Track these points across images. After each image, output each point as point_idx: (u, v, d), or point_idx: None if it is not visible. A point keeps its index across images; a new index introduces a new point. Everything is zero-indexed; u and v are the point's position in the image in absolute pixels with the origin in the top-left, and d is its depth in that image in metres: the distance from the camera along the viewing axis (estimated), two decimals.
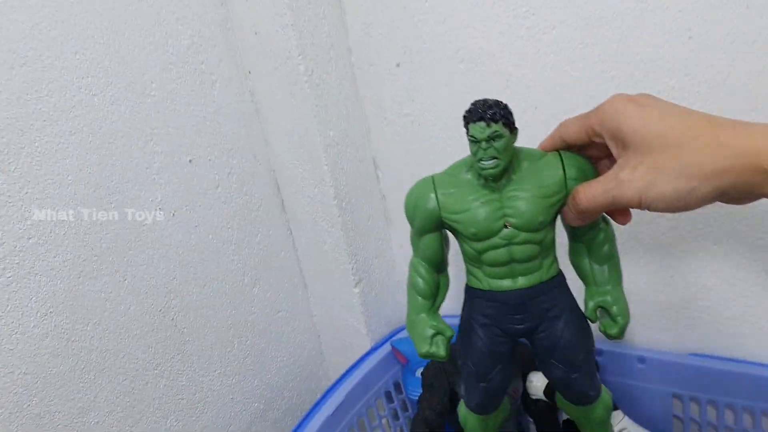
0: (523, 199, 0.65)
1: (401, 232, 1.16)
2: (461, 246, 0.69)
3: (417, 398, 1.01)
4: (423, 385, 1.00)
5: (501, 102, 0.62)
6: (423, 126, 1.04)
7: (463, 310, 0.74)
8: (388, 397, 1.14)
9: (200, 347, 0.98)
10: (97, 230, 0.82)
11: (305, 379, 1.21)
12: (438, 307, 0.74)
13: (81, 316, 0.81)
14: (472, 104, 0.62)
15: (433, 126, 1.03)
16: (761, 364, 0.94)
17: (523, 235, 0.66)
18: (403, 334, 1.17)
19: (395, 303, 1.20)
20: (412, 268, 0.73)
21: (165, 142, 0.90)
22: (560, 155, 0.65)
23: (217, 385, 1.02)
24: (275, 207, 1.09)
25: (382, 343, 1.13)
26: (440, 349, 0.70)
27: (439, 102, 1.01)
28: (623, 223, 0.66)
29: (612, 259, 0.70)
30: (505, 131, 0.61)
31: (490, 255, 0.67)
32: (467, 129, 0.62)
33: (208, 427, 1.01)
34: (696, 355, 0.98)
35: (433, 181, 0.67)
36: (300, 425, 0.99)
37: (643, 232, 0.94)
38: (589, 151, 0.65)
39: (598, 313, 0.70)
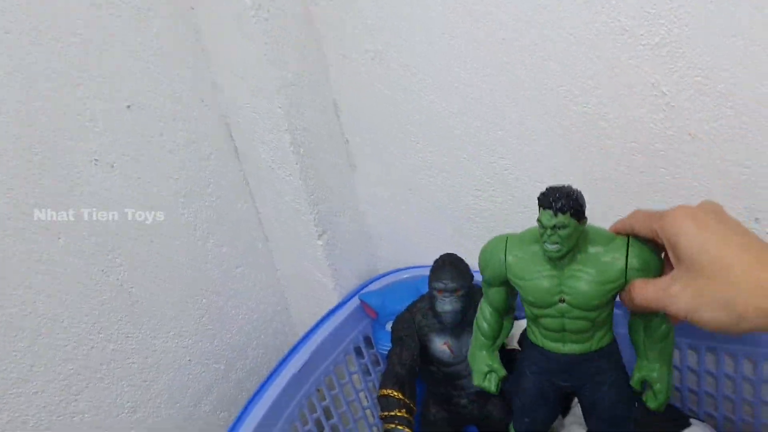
0: (581, 280, 0.68)
1: (367, 179, 1.09)
2: (523, 304, 0.74)
3: (387, 353, 0.95)
4: (392, 340, 0.94)
5: (574, 192, 0.65)
6: (386, 63, 0.96)
7: (522, 350, 0.82)
8: (358, 353, 1.09)
9: (150, 308, 0.91)
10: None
11: (270, 337, 1.15)
12: (498, 347, 0.82)
13: (9, 281, 0.74)
14: (547, 189, 0.66)
15: (397, 63, 0.95)
16: None
17: (577, 312, 0.70)
18: (373, 286, 1.11)
19: (364, 255, 1.14)
20: (480, 310, 0.81)
21: (98, 86, 0.81)
22: (628, 243, 0.67)
23: (172, 347, 0.96)
24: (228, 155, 1.01)
25: (351, 297, 1.07)
26: (491, 385, 0.81)
27: (403, 35, 0.93)
28: (674, 324, 0.71)
29: (665, 341, 0.73)
30: (572, 221, 0.65)
31: (545, 321, 0.72)
32: (539, 210, 0.66)
33: (164, 392, 0.95)
34: None
35: (506, 243, 0.73)
36: (264, 385, 0.94)
37: None
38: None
39: (642, 385, 0.76)
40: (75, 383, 0.82)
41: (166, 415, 0.96)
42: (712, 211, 0.59)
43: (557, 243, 0.66)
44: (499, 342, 0.83)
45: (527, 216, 0.96)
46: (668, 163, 0.80)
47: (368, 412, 1.14)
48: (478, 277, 0.94)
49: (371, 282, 1.12)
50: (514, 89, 0.86)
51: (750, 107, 0.72)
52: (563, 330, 0.73)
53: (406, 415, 0.87)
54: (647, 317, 0.72)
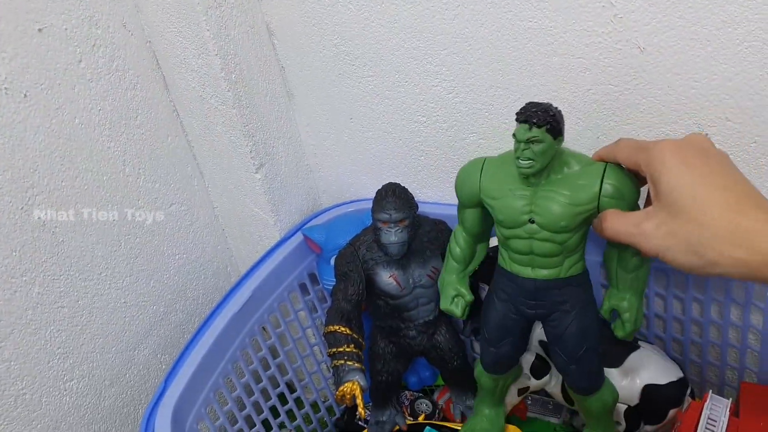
0: (553, 201, 0.67)
1: (307, 108, 1.04)
2: (495, 225, 0.74)
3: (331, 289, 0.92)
4: (336, 275, 0.91)
5: (553, 108, 0.64)
6: None
7: (491, 281, 0.79)
8: (304, 290, 1.06)
9: (78, 248, 0.86)
10: None
11: (211, 277, 1.11)
12: (469, 273, 0.83)
13: None
14: (526, 104, 0.64)
15: None
16: None
17: (545, 234, 0.70)
18: (316, 221, 1.07)
19: (305, 189, 1.09)
20: (453, 234, 0.81)
21: (3, 5, 0.74)
22: (605, 169, 0.66)
23: (105, 289, 0.91)
24: (155, 84, 0.95)
25: (293, 233, 1.03)
26: (458, 309, 0.82)
27: None
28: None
29: (638, 272, 0.73)
30: (548, 137, 0.64)
31: (514, 243, 0.72)
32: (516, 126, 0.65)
33: (97, 335, 0.91)
34: None
35: (483, 164, 0.72)
36: (203, 326, 0.90)
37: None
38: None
39: (611, 314, 0.77)
40: None
41: (102, 361, 0.92)
42: (698, 147, 0.56)
43: (530, 159, 0.65)
44: (470, 268, 0.83)
45: (473, 142, 0.93)
46: (617, 80, 0.78)
47: (316, 349, 1.12)
48: (423, 208, 0.92)
49: (314, 217, 1.08)
50: (455, 5, 0.82)
51: (700, 16, 0.69)
52: (531, 253, 0.72)
53: (354, 350, 0.85)
54: (621, 247, 0.71)
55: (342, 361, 0.84)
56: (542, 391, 0.95)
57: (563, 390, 0.91)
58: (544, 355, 0.90)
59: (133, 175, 0.93)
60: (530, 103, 0.65)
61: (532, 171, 0.66)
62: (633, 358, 0.88)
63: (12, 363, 0.79)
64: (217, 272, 1.12)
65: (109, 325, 0.92)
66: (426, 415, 1.04)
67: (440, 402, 1.07)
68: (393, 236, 0.85)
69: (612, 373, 0.87)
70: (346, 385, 0.81)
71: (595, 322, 0.76)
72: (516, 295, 0.76)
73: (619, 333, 0.78)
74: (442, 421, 1.03)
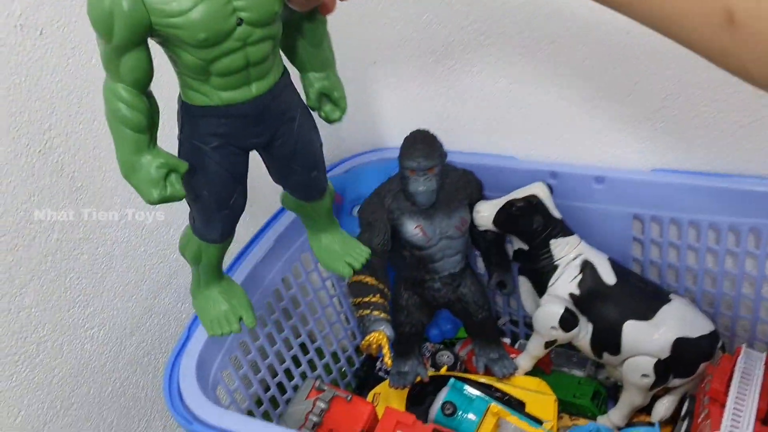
0: None
1: None
2: (177, 57, 0.57)
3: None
4: (361, 225, 0.88)
5: None
6: None
7: (181, 133, 0.63)
8: None
9: (98, 193, 0.83)
10: None
11: None
12: (156, 140, 0.61)
13: None
14: None
15: None
16: (729, 176, 0.86)
17: (259, 32, 0.57)
18: (337, 170, 1.04)
19: (326, 134, 1.06)
20: (114, 97, 0.57)
21: None
22: None
23: (124, 236, 0.89)
24: None
25: None
26: (177, 189, 0.60)
27: None
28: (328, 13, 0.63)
29: (326, 41, 0.66)
30: None
31: (223, 63, 0.57)
32: None
33: (118, 283, 0.89)
34: (660, 170, 0.89)
35: None
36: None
37: (602, 31, 0.81)
38: None
39: (319, 101, 0.69)
40: (17, 276, 0.75)
41: (123, 309, 0.90)
42: None
43: None
44: (155, 132, 0.61)
45: (504, 87, 0.90)
46: None
47: (335, 300, 1.10)
48: (451, 158, 0.88)
49: (335, 166, 1.05)
50: None
51: None
52: (248, 65, 0.58)
53: (380, 300, 0.83)
54: (301, 25, 0.64)
55: (368, 311, 0.82)
56: (567, 344, 0.94)
57: (592, 343, 0.89)
58: (573, 307, 0.88)
59: None
60: None
61: None
62: (664, 311, 0.86)
63: (33, 310, 0.78)
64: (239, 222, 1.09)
65: (129, 272, 0.90)
66: (448, 367, 1.03)
67: (462, 354, 1.05)
68: (421, 185, 0.83)
69: (642, 327, 0.86)
70: (372, 335, 0.80)
71: (313, 118, 0.69)
72: (235, 130, 0.62)
73: (335, 115, 0.70)
74: (463, 372, 1.01)
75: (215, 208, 0.67)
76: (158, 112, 0.61)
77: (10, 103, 0.71)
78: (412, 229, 0.87)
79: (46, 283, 0.79)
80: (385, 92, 1.00)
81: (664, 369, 0.86)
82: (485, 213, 0.90)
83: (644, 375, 0.87)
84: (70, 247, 0.81)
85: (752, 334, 0.94)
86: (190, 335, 0.82)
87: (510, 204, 0.88)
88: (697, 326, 0.86)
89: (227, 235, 0.72)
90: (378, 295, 0.83)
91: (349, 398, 0.84)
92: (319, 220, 0.81)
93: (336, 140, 1.09)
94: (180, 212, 0.89)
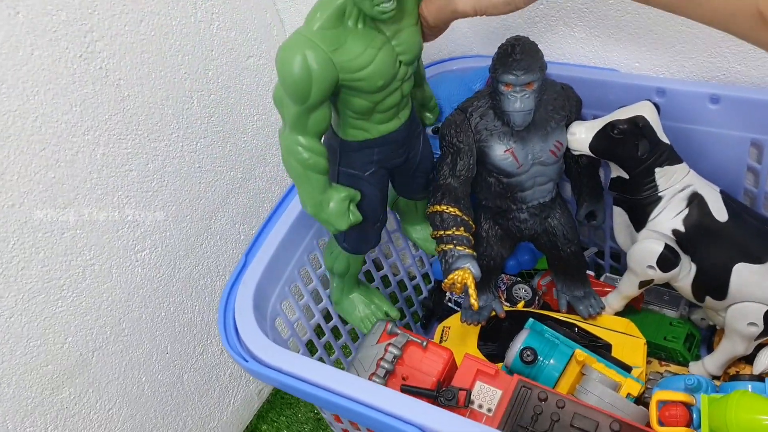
0: (407, 32, 0.64)
1: None
2: (348, 102, 0.65)
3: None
4: (442, 147, 0.78)
5: None
6: None
7: (339, 166, 0.71)
8: None
9: (146, 105, 0.75)
10: None
11: None
12: None
13: None
14: None
15: None
16: None
17: (410, 69, 0.66)
18: None
19: None
20: (300, 147, 0.63)
21: None
22: None
23: (177, 152, 0.81)
24: None
25: None
26: (357, 215, 0.70)
27: None
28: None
29: (420, 59, 0.74)
30: None
31: (387, 101, 0.66)
32: None
33: (170, 202, 0.82)
34: None
35: (315, 42, 0.58)
36: (286, 195, 0.81)
37: None
38: None
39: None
40: (60, 194, 0.68)
41: (176, 230, 0.84)
42: None
43: (391, 1, 0.58)
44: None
45: None
46: None
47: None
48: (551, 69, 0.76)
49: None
50: None
51: None
52: (402, 99, 0.67)
53: (465, 234, 0.74)
54: None
55: (451, 246, 0.74)
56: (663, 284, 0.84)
57: (694, 286, 0.79)
58: (675, 245, 0.78)
59: (205, 21, 0.80)
60: None
61: (394, 11, 0.59)
62: None
63: (78, 232, 0.71)
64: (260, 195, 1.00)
65: (182, 191, 0.83)
66: (525, 302, 0.94)
67: (541, 288, 0.96)
68: (518, 102, 0.72)
69: (755, 270, 0.75)
70: (456, 273, 0.72)
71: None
72: (386, 155, 0.71)
73: (432, 120, 0.82)
74: (541, 308, 0.93)
75: (371, 224, 0.75)
76: None
77: (46, 1, 0.62)
78: (502, 152, 0.76)
79: (92, 202, 0.72)
80: None
81: None
82: (582, 135, 0.79)
83: (751, 323, 0.77)
84: (118, 163, 0.74)
85: None
86: (247, 262, 0.75)
87: (611, 126, 0.76)
88: None
89: (376, 244, 0.80)
90: (462, 228, 0.75)
91: (424, 344, 0.76)
92: (420, 213, 0.90)
93: None
94: (226, 129, 0.81)
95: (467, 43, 0.93)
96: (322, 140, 0.67)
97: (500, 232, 0.84)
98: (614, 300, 0.88)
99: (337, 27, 0.59)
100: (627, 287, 0.85)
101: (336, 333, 0.91)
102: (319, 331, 0.88)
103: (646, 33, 0.81)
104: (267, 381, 0.66)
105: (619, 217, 0.84)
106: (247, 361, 0.67)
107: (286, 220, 0.79)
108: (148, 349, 0.84)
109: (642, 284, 0.83)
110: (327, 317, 0.89)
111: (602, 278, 1.00)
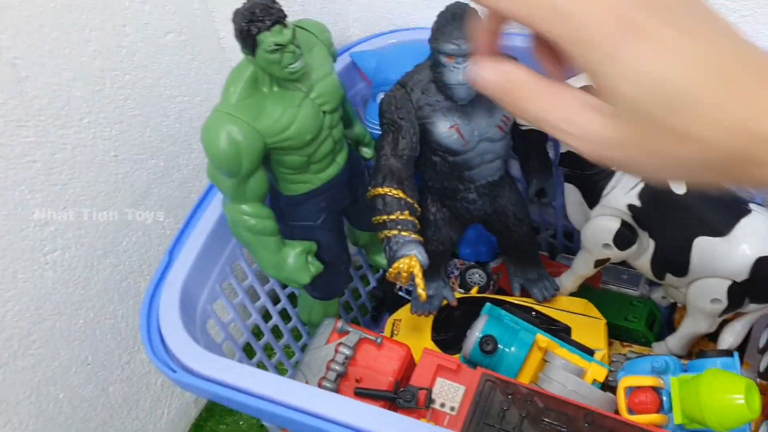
0: (323, 82, 0.66)
1: None
2: (282, 161, 0.67)
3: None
4: (382, 124, 0.71)
5: None
6: None
7: (290, 221, 0.72)
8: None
9: (49, 86, 0.67)
10: None
11: None
12: None
13: None
14: (247, 10, 0.59)
15: None
16: None
17: (336, 116, 0.69)
18: (366, 45, 0.86)
19: (332, 15, 0.88)
20: (245, 216, 0.67)
21: None
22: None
23: (89, 140, 0.72)
24: None
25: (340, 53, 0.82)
26: (317, 264, 0.73)
27: None
28: None
29: (347, 100, 0.77)
30: (291, 27, 0.61)
31: (320, 151, 0.68)
32: (257, 42, 0.59)
33: (83, 196, 0.73)
34: None
35: (235, 115, 0.62)
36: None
37: None
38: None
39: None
40: None
41: (91, 227, 0.75)
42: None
43: (297, 58, 0.61)
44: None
45: None
46: None
47: None
48: None
49: (363, 41, 0.87)
50: None
51: None
52: (334, 145, 0.70)
53: (410, 218, 0.69)
54: None
55: (395, 231, 0.68)
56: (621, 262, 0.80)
57: (654, 263, 0.75)
58: (631, 221, 0.74)
59: None
60: (251, 2, 0.59)
61: (303, 69, 0.62)
62: (743, 225, 0.72)
63: None
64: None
65: (96, 183, 0.74)
66: (479, 288, 0.89)
67: (496, 273, 0.92)
68: (461, 74, 0.66)
69: (716, 244, 0.72)
70: (401, 260, 0.66)
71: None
72: (333, 200, 0.74)
73: (369, 154, 0.80)
74: (496, 294, 0.88)
75: (335, 268, 0.77)
76: None
77: None
78: (446, 129, 0.70)
79: None
80: None
81: (740, 293, 0.73)
82: None
83: (715, 300, 0.74)
84: (18, 152, 0.65)
85: None
86: (171, 260, 0.68)
87: None
88: None
89: (348, 284, 0.84)
90: (407, 212, 0.69)
91: (379, 341, 0.70)
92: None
93: (344, 19, 0.91)
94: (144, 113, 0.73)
95: (408, 15, 0.87)
96: (267, 202, 0.69)
97: (448, 215, 0.78)
98: (568, 280, 0.84)
99: (253, 96, 0.63)
100: (582, 267, 0.82)
101: (276, 333, 0.84)
102: (257, 332, 0.81)
103: None
104: (199, 393, 0.59)
105: (572, 194, 0.80)
106: (175, 372, 0.60)
107: (214, 211, 0.71)
108: (65, 362, 0.75)
109: (598, 263, 0.79)
110: (266, 316, 0.82)
111: (557, 259, 0.96)
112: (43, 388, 0.73)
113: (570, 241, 0.97)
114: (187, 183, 0.87)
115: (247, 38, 0.60)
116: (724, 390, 0.63)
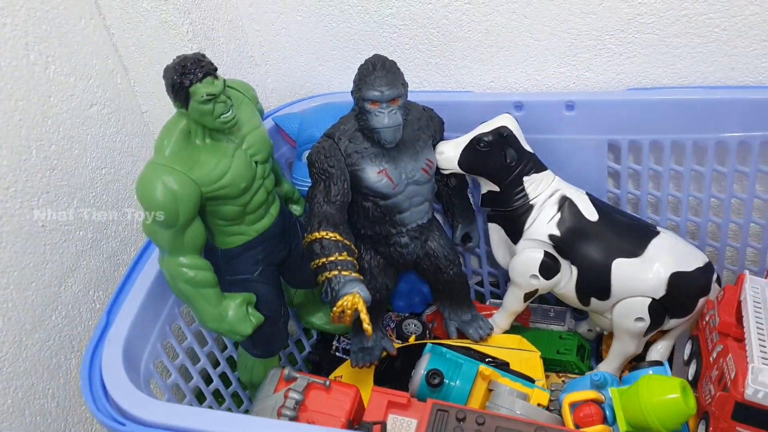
0: (253, 134, 0.70)
1: None
2: (217, 212, 0.69)
3: (307, 190, 0.76)
4: (312, 175, 0.75)
5: (198, 53, 0.65)
6: None
7: (227, 276, 0.74)
8: None
9: None
10: None
11: None
12: None
13: None
14: (179, 64, 0.63)
15: None
16: (713, 88, 0.78)
17: (267, 167, 0.72)
18: (288, 110, 0.89)
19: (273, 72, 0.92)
20: (183, 268, 0.68)
21: None
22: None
23: (15, 209, 0.71)
24: None
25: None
26: (258, 315, 0.74)
27: None
28: None
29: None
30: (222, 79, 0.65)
31: (254, 201, 0.71)
32: (190, 94, 0.62)
33: (11, 267, 0.71)
34: (637, 89, 0.80)
35: (170, 166, 0.64)
36: (143, 252, 0.73)
37: None
38: None
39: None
40: None
41: (19, 300, 0.72)
42: None
43: (229, 108, 0.65)
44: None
45: (457, 9, 0.79)
46: None
47: None
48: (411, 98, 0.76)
49: (288, 105, 0.90)
50: None
51: None
52: (267, 195, 0.72)
53: (348, 258, 0.71)
54: None
55: (335, 272, 0.70)
56: (542, 299, 0.84)
57: (578, 289, 0.80)
58: (553, 251, 0.78)
59: (40, 64, 0.73)
60: (182, 59, 0.63)
61: (235, 119, 0.66)
62: (654, 245, 0.78)
63: None
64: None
65: (24, 255, 0.72)
66: (416, 336, 0.90)
67: (430, 321, 0.93)
68: (386, 118, 0.70)
69: (633, 264, 0.77)
70: (345, 298, 0.68)
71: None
72: (270, 251, 0.76)
73: (300, 210, 0.84)
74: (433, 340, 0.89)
75: (274, 322, 0.77)
76: None
77: None
78: (375, 174, 0.74)
79: None
80: (318, 29, 0.87)
81: (660, 310, 0.78)
82: (450, 153, 0.79)
83: (638, 318, 0.79)
84: None
85: (741, 263, 0.87)
86: (110, 321, 0.67)
87: (477, 140, 0.78)
88: (692, 258, 0.79)
89: (286, 340, 0.83)
90: (345, 253, 0.71)
91: (327, 384, 0.70)
92: (317, 299, 0.92)
93: (262, 89, 0.95)
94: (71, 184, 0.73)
95: (324, 83, 0.92)
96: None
97: (382, 262, 0.81)
98: (501, 318, 0.87)
99: (186, 148, 0.65)
100: (512, 302, 0.85)
101: (218, 396, 0.81)
102: (199, 396, 0.78)
103: (498, 51, 0.84)
104: None
105: (495, 234, 0.85)
106: (124, 425, 0.57)
107: (145, 280, 0.71)
108: None
109: (527, 296, 0.83)
110: (207, 379, 0.80)
111: (487, 303, 0.99)
112: None
113: (497, 288, 1.01)
114: (115, 256, 0.86)
115: (180, 91, 0.62)
116: (662, 391, 0.66)
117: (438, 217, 0.86)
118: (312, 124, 0.83)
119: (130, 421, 0.57)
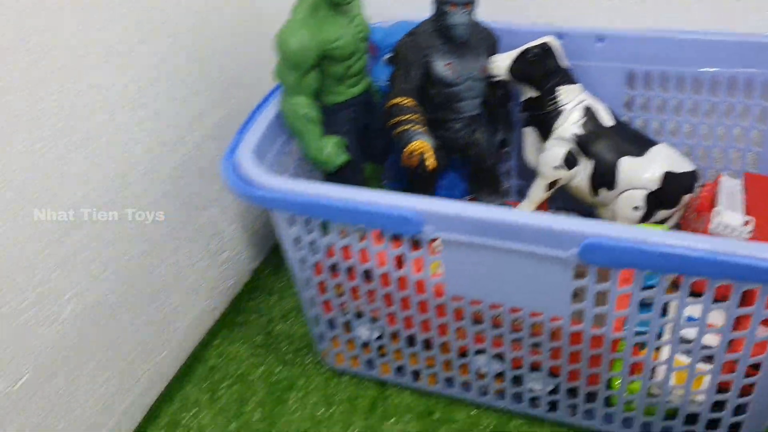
0: (359, 17, 0.90)
1: None
2: (327, 70, 0.89)
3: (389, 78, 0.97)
4: (395, 62, 0.95)
5: None
6: None
7: (327, 126, 0.94)
8: None
9: None
10: None
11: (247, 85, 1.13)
12: None
13: None
14: None
15: None
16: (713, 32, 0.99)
17: (365, 46, 0.92)
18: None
19: None
20: (299, 106, 0.89)
21: None
22: None
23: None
24: None
25: None
26: (347, 155, 0.94)
27: None
28: None
29: None
30: None
31: (355, 67, 0.91)
32: None
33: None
34: (654, 30, 1.02)
35: (303, 25, 0.84)
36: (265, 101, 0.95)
37: None
38: None
39: None
40: None
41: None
42: None
43: None
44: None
45: None
46: None
47: None
48: None
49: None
50: None
51: None
52: (363, 67, 0.93)
53: (420, 117, 0.91)
54: None
55: (407, 127, 0.90)
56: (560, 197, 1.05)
57: (591, 180, 0.99)
58: (575, 146, 0.98)
59: None
60: None
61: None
62: (654, 150, 0.98)
63: None
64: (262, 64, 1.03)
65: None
66: None
67: None
68: (460, 17, 0.91)
69: (636, 162, 0.96)
70: (414, 143, 0.88)
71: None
72: (357, 115, 0.96)
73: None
74: None
75: (354, 166, 0.97)
76: None
77: None
78: (443, 65, 0.94)
79: None
80: None
81: (653, 201, 0.97)
82: (502, 63, 0.99)
83: (636, 207, 0.97)
84: None
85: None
86: (241, 137, 0.89)
87: (526, 51, 0.97)
88: (682, 164, 0.98)
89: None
90: (417, 114, 0.91)
91: None
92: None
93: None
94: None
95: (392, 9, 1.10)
96: None
97: (438, 143, 0.99)
98: (525, 206, 1.05)
99: (313, 16, 0.85)
100: (536, 192, 1.03)
101: None
102: None
103: None
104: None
105: (529, 137, 1.04)
106: (250, 186, 0.81)
107: (268, 114, 0.93)
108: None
109: (550, 185, 1.02)
110: None
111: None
112: None
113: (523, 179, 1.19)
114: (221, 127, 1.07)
115: None
116: None
117: None
118: (393, 35, 1.02)
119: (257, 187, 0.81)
